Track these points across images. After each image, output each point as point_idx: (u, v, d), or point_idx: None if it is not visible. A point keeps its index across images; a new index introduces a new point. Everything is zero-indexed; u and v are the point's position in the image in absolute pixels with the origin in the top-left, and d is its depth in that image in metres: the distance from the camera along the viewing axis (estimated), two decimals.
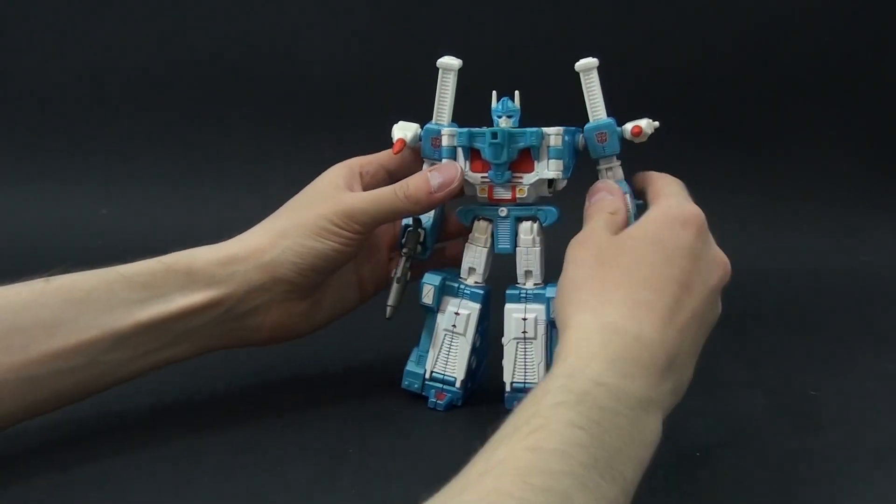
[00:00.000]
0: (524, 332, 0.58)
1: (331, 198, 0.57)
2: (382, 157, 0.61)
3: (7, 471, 0.51)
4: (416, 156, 0.61)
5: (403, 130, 0.60)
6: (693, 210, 0.51)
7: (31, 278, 0.52)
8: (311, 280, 0.58)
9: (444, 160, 0.58)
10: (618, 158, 0.59)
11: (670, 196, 0.53)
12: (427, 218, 0.61)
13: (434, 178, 0.57)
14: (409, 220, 0.61)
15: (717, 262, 0.51)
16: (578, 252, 0.50)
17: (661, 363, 0.44)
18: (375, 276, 0.64)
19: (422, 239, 0.60)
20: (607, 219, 0.52)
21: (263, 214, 0.59)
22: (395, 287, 0.58)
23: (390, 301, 0.58)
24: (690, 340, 0.47)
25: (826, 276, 0.94)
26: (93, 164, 1.07)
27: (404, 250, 0.60)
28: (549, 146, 0.57)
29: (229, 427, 0.58)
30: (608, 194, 0.55)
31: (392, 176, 0.61)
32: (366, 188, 0.60)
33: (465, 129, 0.58)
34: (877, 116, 1.05)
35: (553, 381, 0.41)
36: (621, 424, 0.40)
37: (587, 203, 0.56)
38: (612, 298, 0.46)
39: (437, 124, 0.60)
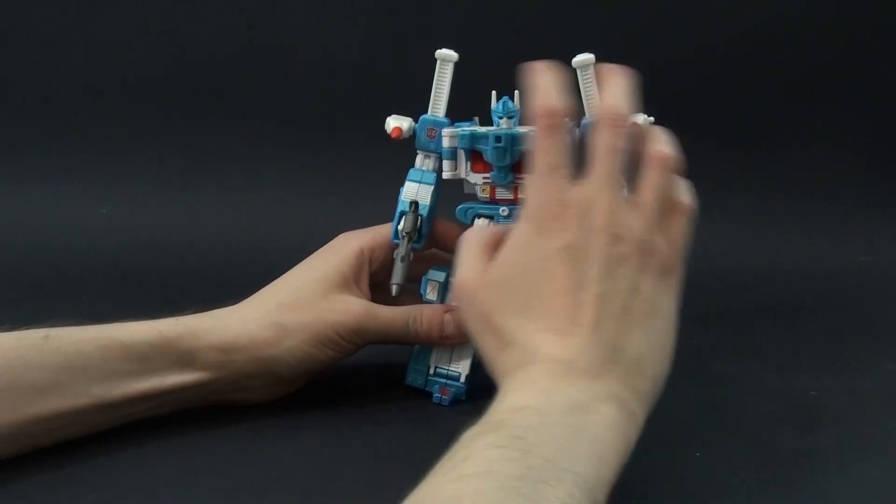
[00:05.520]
0: None
1: (343, 305, 0.58)
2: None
3: (2, 466, 0.51)
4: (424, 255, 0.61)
5: (398, 121, 0.60)
6: (540, 202, 0.47)
7: (31, 327, 0.53)
8: (301, 376, 0.59)
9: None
10: None
11: (525, 209, 0.48)
12: (423, 205, 0.60)
13: (448, 323, 0.58)
14: (406, 205, 0.60)
15: (592, 223, 0.45)
16: (473, 297, 0.48)
17: (589, 362, 0.43)
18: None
19: (419, 225, 0.60)
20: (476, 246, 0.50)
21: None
22: (399, 266, 0.58)
23: (396, 279, 0.58)
24: (617, 322, 0.44)
25: (826, 276, 0.94)
26: (93, 163, 1.07)
27: (405, 231, 0.59)
28: None
29: (228, 426, 0.58)
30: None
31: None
32: (373, 276, 0.61)
33: (468, 131, 0.57)
34: (878, 116, 1.05)
35: (475, 425, 0.41)
36: (555, 433, 0.39)
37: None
38: (519, 329, 0.45)
39: (433, 116, 0.60)
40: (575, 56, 0.58)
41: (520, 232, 0.47)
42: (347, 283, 0.59)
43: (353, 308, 0.57)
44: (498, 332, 0.46)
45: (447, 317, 0.59)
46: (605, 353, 0.44)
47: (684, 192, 0.50)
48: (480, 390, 0.62)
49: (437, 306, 0.60)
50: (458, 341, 0.59)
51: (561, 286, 0.45)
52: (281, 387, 0.59)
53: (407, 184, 0.61)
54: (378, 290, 0.62)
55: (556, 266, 0.45)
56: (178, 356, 0.55)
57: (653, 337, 0.46)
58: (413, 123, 0.60)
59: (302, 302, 0.58)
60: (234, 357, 0.56)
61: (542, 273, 0.46)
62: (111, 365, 0.53)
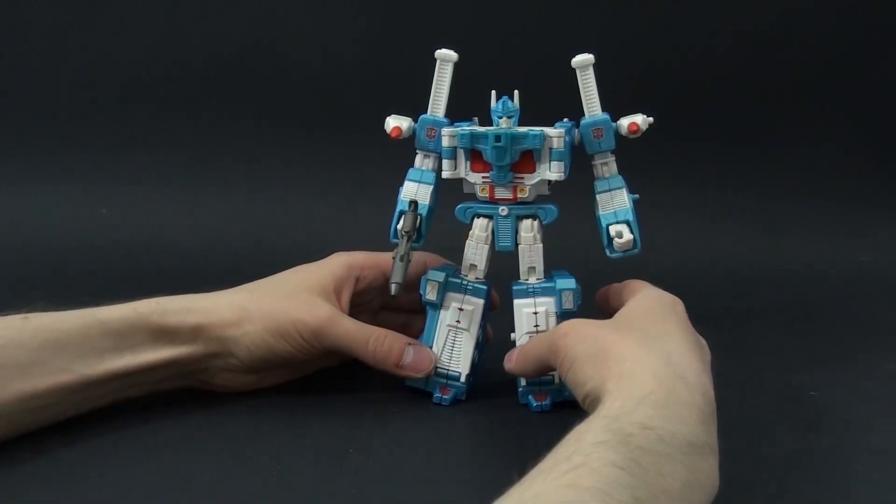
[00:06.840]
0: (536, 325, 0.59)
1: (311, 306, 0.59)
2: (384, 264, 0.62)
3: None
4: (415, 288, 0.61)
5: (398, 121, 0.60)
6: (675, 297, 0.55)
7: (10, 313, 0.54)
8: (259, 366, 0.60)
9: (423, 346, 0.60)
10: (612, 153, 0.60)
11: (650, 287, 0.57)
12: (423, 204, 0.60)
13: (408, 354, 0.59)
14: (405, 205, 0.60)
15: (704, 342, 0.53)
16: (585, 329, 0.50)
17: (708, 408, 0.45)
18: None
19: (418, 224, 0.60)
20: None
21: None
22: (398, 265, 0.58)
23: (395, 278, 0.57)
24: None
25: (826, 276, 0.94)
26: (93, 164, 1.07)
27: (405, 230, 0.59)
28: (551, 148, 0.57)
29: (229, 426, 0.58)
30: None
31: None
32: (357, 294, 0.62)
33: (468, 131, 0.58)
34: (878, 116, 1.05)
35: (597, 420, 0.42)
36: (669, 468, 0.39)
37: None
38: (650, 348, 0.47)
39: (432, 116, 0.60)
40: (575, 56, 0.58)
41: None
42: (325, 291, 0.60)
43: (319, 311, 0.58)
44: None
45: (409, 348, 0.59)
46: (713, 407, 0.46)
47: None
48: (480, 390, 0.62)
49: (401, 335, 0.60)
50: (411, 374, 0.60)
51: None
52: (247, 377, 0.60)
53: (406, 183, 0.61)
54: (361, 311, 0.63)
55: None
56: (153, 332, 0.56)
57: None
58: (413, 123, 0.60)
59: (272, 295, 0.60)
60: (201, 335, 0.57)
61: None
62: (90, 342, 0.54)
